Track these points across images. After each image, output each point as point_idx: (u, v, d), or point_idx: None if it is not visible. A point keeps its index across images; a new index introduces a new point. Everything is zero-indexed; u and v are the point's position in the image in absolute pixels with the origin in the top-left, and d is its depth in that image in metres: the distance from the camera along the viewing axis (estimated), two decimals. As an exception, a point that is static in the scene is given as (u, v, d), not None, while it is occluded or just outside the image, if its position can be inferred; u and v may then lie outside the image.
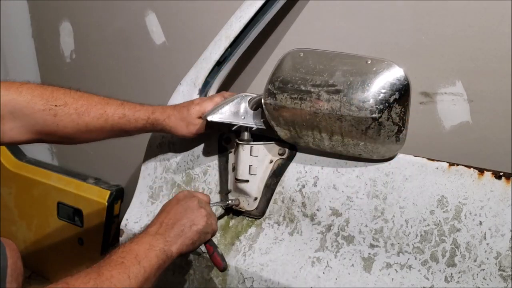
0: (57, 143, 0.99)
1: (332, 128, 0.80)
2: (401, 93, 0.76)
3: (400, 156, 0.82)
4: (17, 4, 1.68)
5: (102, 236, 1.53)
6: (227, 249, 0.92)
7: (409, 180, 0.80)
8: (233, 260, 0.90)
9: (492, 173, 0.75)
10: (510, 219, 0.72)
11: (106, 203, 1.50)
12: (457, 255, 0.74)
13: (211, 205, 0.90)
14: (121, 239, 1.04)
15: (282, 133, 0.88)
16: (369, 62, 0.77)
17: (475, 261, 0.73)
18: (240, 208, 0.94)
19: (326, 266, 0.83)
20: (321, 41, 1.08)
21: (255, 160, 0.91)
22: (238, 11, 1.00)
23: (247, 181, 0.92)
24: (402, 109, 0.76)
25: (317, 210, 0.86)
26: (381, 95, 0.75)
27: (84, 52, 1.56)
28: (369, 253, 0.81)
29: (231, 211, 0.96)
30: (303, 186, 0.89)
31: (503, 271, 0.71)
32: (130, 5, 1.40)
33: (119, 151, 1.59)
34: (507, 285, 0.71)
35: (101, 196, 1.52)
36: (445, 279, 0.75)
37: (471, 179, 0.76)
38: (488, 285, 0.72)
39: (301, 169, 0.89)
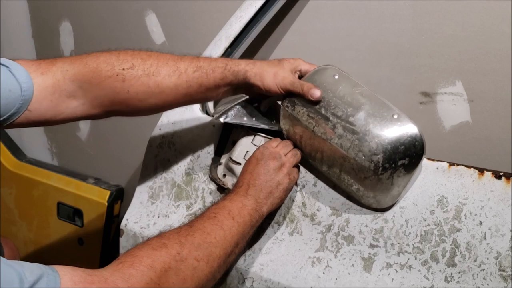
0: (130, 115, 0.88)
1: (333, 161, 0.80)
2: (412, 161, 0.74)
3: (400, 156, 0.82)
4: (17, 4, 1.68)
5: (102, 236, 1.53)
6: (227, 249, 0.92)
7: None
8: (233, 260, 0.90)
9: (492, 173, 0.75)
10: (510, 219, 0.72)
11: (106, 203, 1.50)
12: (457, 255, 0.74)
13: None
14: (121, 239, 1.04)
15: (288, 137, 0.88)
16: (395, 117, 0.75)
17: (475, 261, 0.73)
18: (223, 184, 0.94)
19: (326, 266, 0.83)
20: (321, 41, 1.08)
21: (254, 149, 0.91)
22: (238, 11, 1.00)
23: (240, 164, 0.92)
24: (406, 175, 0.75)
25: (317, 210, 0.86)
26: (391, 155, 0.74)
27: (84, 52, 1.56)
28: (369, 253, 0.81)
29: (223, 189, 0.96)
30: (303, 186, 0.89)
31: (503, 271, 0.71)
32: (130, 5, 1.40)
33: (119, 151, 1.59)
34: (507, 285, 0.71)
35: (101, 196, 1.52)
36: (445, 279, 0.75)
37: (471, 179, 0.76)
38: (488, 285, 0.72)
39: (301, 169, 0.89)
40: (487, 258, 0.72)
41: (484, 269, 0.72)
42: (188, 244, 0.67)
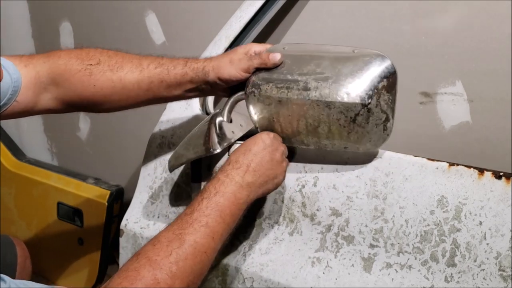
0: (95, 111, 0.94)
1: (319, 118, 0.80)
2: (389, 80, 0.76)
3: (400, 156, 0.82)
4: (17, 4, 1.68)
5: (102, 236, 1.53)
6: (227, 249, 0.92)
7: (409, 180, 0.80)
8: (233, 260, 0.90)
9: (492, 173, 0.75)
10: (510, 219, 0.72)
11: (106, 203, 1.50)
12: (457, 255, 0.74)
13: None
14: (121, 239, 1.04)
15: (263, 126, 0.86)
16: (356, 51, 0.79)
17: (475, 261, 0.73)
18: None
19: (326, 266, 0.83)
20: (321, 41, 1.08)
21: None
22: (238, 11, 1.00)
23: None
24: (390, 97, 0.77)
25: (317, 210, 0.86)
26: (370, 81, 0.76)
27: (84, 52, 1.56)
28: (369, 253, 0.81)
29: None
30: (303, 186, 0.89)
31: (503, 271, 0.71)
32: (130, 5, 1.40)
33: (119, 151, 1.59)
34: (507, 285, 0.71)
35: (101, 196, 1.52)
36: (445, 279, 0.75)
37: (471, 179, 0.76)
38: (488, 285, 0.72)
39: (301, 169, 0.89)
40: (487, 258, 0.72)
41: (484, 269, 0.72)
42: (180, 274, 0.66)
